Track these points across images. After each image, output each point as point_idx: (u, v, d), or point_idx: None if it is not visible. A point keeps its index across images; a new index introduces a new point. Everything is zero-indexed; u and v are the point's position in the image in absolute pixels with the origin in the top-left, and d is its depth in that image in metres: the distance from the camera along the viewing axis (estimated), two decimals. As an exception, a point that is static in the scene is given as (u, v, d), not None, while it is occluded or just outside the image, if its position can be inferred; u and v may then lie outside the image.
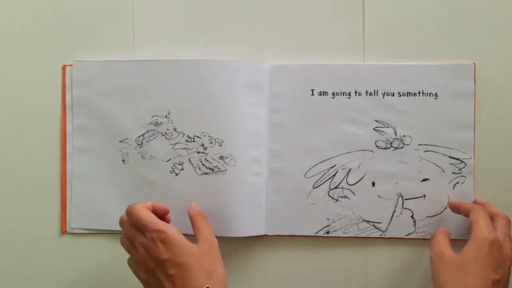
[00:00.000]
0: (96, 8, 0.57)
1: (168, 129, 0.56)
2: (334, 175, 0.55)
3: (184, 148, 0.56)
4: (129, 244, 0.48)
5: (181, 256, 0.44)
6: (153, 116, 0.56)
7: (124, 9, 0.57)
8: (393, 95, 0.54)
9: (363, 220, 0.55)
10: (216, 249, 0.48)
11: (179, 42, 0.56)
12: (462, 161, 0.54)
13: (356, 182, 0.55)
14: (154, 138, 0.56)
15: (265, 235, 0.56)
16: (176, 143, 0.56)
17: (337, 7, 0.55)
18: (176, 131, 0.56)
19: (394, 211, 0.55)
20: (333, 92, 0.55)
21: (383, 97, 0.54)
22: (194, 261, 0.44)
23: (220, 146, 0.55)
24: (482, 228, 0.46)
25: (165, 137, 0.56)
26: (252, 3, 0.56)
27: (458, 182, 0.54)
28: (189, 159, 0.56)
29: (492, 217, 0.49)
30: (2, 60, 0.58)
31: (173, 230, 0.46)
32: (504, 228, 0.48)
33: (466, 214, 0.50)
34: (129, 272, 0.48)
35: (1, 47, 0.58)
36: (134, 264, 0.47)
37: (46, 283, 0.58)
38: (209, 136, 0.55)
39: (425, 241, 0.54)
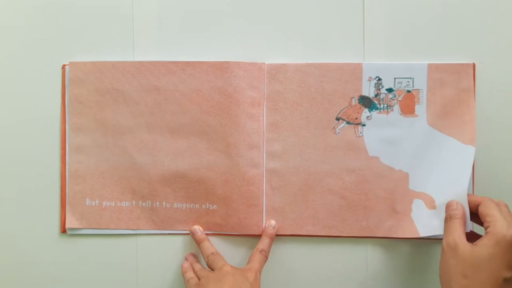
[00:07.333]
0: (96, 9, 0.57)
1: (168, 129, 0.56)
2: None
3: (184, 148, 0.56)
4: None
5: None
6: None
7: (124, 10, 0.57)
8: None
9: None
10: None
11: (178, 43, 0.56)
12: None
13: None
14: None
15: (265, 235, 0.56)
16: (176, 143, 0.56)
17: (337, 7, 0.55)
18: (176, 131, 0.56)
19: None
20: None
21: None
22: None
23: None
24: (500, 223, 0.44)
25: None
26: (251, 3, 0.56)
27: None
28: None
29: None
30: (2, 60, 0.58)
31: None
32: None
33: (474, 206, 0.48)
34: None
35: (1, 47, 0.58)
36: None
37: (46, 283, 0.58)
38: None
39: (424, 241, 0.55)
